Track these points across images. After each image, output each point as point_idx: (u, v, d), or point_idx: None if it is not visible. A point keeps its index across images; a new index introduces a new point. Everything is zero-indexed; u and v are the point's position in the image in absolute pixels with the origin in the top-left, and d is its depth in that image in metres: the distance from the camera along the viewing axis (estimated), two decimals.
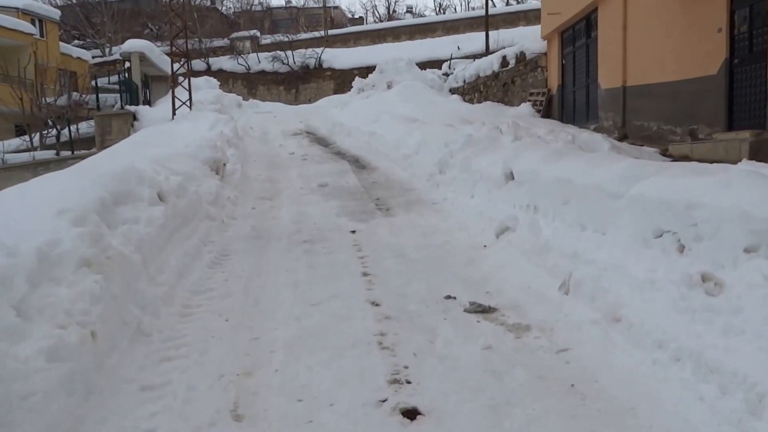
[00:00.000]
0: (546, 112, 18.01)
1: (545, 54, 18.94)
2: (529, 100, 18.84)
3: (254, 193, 10.56)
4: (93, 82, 27.75)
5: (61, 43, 35.16)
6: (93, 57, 40.87)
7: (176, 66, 21.27)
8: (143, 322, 4.28)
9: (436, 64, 29.67)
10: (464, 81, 23.95)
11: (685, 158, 10.70)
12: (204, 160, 9.59)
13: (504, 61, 21.37)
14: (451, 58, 28.53)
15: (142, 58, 24.65)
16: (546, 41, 18.93)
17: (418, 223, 8.10)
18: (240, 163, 12.01)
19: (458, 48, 31.68)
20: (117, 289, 4.06)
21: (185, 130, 14.37)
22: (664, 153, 11.49)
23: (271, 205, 9.65)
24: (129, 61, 24.81)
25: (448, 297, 5.23)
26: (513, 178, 7.61)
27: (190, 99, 20.98)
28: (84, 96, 26.75)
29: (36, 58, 26.14)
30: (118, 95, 25.37)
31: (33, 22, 32.24)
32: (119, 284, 4.15)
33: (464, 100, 23.21)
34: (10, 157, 21.11)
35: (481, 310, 4.94)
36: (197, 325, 4.72)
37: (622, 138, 13.30)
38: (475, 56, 27.54)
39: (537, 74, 19.12)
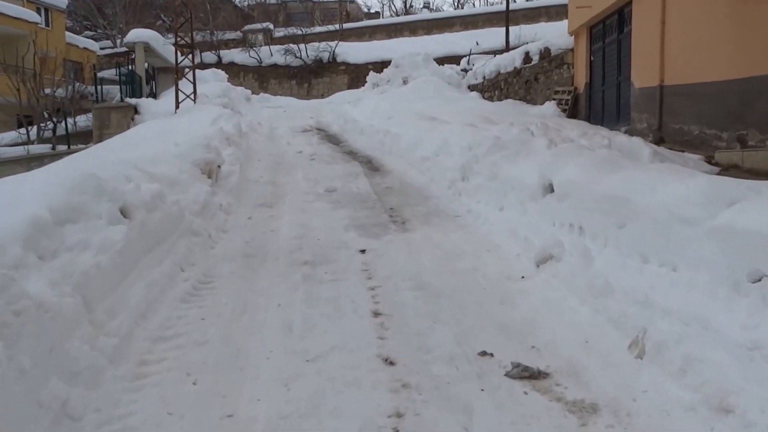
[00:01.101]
0: (572, 112, 16.71)
1: (572, 50, 17.62)
2: (553, 99, 17.54)
3: (252, 199, 9.38)
4: (95, 74, 26.66)
5: (67, 33, 34.16)
6: (103, 48, 39.95)
7: (183, 58, 20.16)
8: (71, 399, 3.12)
9: (454, 59, 28.39)
10: (484, 77, 22.65)
11: (735, 167, 9.49)
12: (194, 161, 8.43)
13: (527, 57, 20.06)
14: (470, 54, 27.21)
15: (147, 48, 23.50)
16: (573, 36, 17.61)
17: (439, 241, 6.89)
18: (239, 163, 10.84)
19: (477, 43, 30.36)
20: (27, 358, 2.91)
21: (185, 125, 13.22)
22: (709, 161, 10.24)
23: (271, 215, 8.47)
24: (133, 51, 23.70)
25: (484, 353, 4.02)
26: (552, 191, 6.40)
27: (195, 92, 19.86)
28: (85, 87, 25.66)
29: (35, 47, 24.96)
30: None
31: (39, 11, 31.24)
32: (33, 350, 2.99)
33: (483, 97, 21.92)
34: (3, 151, 20.01)
35: (529, 375, 3.74)
36: (153, 393, 3.55)
37: (658, 142, 12.02)
38: (494, 52, 26.22)
39: (562, 71, 17.82)
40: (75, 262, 3.98)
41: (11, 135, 22.69)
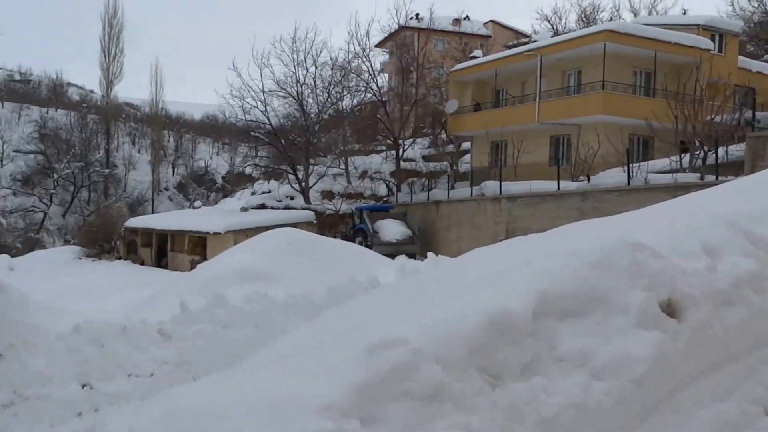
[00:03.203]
0: None
1: None
2: None
3: None
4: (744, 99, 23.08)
5: (741, 58, 31.05)
6: None
7: None
8: None
9: None
10: None
11: None
12: None
13: None
14: None
15: None
16: None
17: None
18: None
19: None
20: None
21: None
22: None
23: None
24: None
25: None
26: None
27: None
28: (747, 114, 22.42)
29: (699, 73, 23.16)
30: None
31: (712, 38, 29.30)
32: None
33: None
34: (652, 177, 19.13)
35: None
36: None
37: None
38: None
39: None
40: (538, 397, 2.29)
41: (663, 162, 21.67)
